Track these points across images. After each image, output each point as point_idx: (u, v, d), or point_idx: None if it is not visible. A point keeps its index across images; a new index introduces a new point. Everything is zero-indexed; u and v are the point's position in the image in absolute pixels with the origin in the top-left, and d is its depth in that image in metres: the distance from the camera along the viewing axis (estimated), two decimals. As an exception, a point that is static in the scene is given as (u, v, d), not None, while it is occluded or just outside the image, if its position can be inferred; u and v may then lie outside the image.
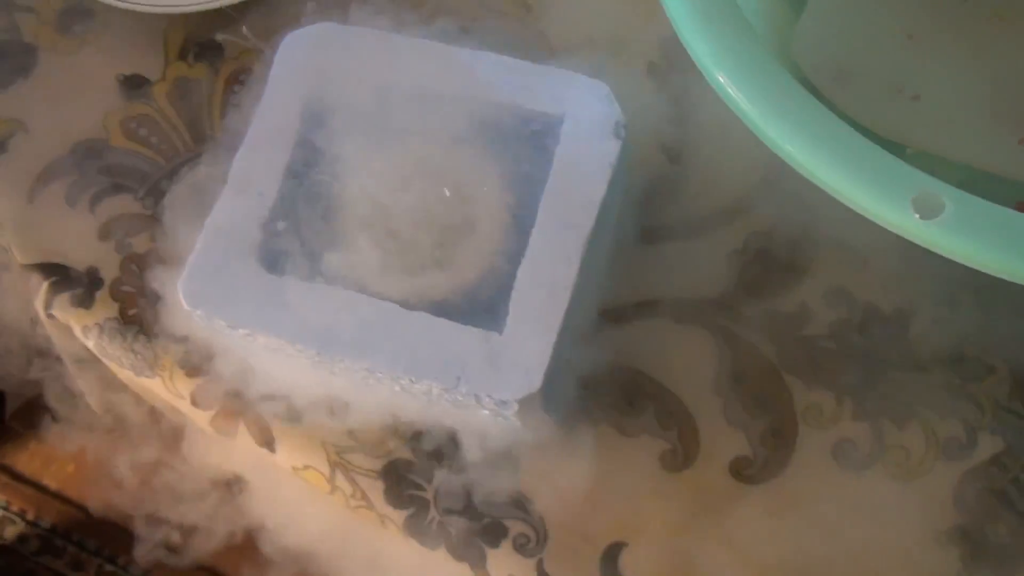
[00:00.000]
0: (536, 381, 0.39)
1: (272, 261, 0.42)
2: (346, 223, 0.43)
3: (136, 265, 0.51)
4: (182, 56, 0.55)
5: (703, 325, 0.46)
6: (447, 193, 0.43)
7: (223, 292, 0.41)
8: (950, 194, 0.34)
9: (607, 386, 0.45)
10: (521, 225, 0.42)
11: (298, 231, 0.43)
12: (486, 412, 0.41)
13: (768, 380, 0.45)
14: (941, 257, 0.45)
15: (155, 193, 0.52)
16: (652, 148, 0.47)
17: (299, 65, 0.44)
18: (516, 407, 0.39)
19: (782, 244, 0.47)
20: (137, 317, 0.50)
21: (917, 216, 0.34)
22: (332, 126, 0.44)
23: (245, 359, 0.46)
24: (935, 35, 0.48)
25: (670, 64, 0.50)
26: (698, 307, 0.47)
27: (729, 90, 0.37)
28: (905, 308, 0.45)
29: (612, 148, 0.42)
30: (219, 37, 0.54)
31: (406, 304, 0.41)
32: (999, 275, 0.34)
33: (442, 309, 0.41)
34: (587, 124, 0.42)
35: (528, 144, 0.43)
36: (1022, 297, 0.38)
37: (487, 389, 0.39)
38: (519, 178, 0.43)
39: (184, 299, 0.41)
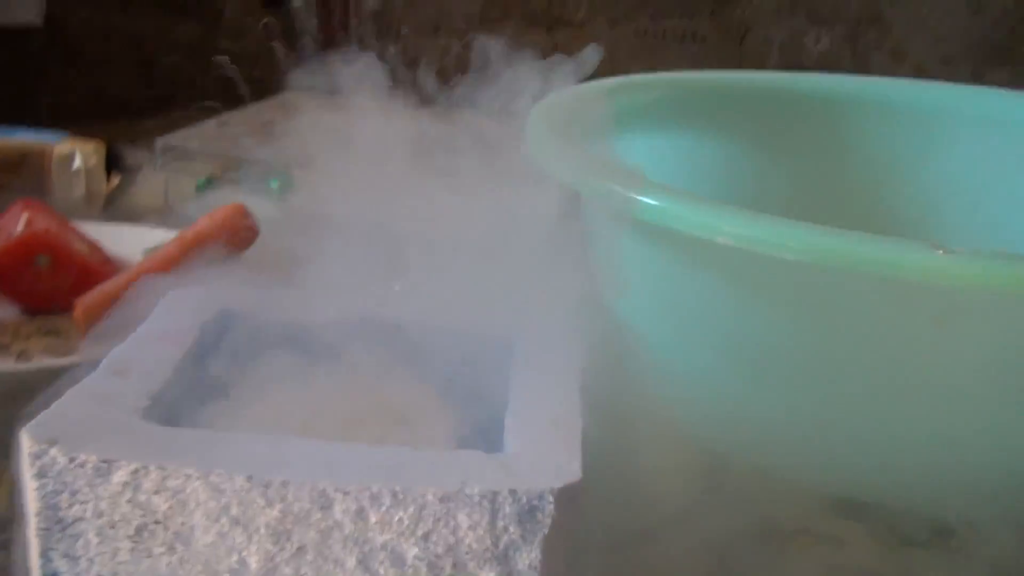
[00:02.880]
0: (575, 469, 0.28)
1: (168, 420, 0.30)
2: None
3: None
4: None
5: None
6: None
7: (96, 430, 0.28)
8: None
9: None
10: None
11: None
12: (483, 572, 0.28)
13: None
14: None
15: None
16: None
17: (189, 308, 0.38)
18: (551, 508, 0.27)
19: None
20: None
21: (940, 252, 0.33)
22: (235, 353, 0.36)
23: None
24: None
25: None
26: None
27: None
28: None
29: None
30: None
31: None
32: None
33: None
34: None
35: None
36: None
37: (510, 483, 0.27)
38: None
39: (33, 436, 0.28)
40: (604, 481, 0.31)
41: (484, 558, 0.28)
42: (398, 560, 0.28)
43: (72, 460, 0.28)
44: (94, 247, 0.57)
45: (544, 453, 0.29)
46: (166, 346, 0.34)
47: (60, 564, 0.28)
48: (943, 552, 0.41)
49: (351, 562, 0.28)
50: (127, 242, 0.60)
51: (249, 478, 0.27)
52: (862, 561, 0.40)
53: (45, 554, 0.28)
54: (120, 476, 0.28)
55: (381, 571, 0.28)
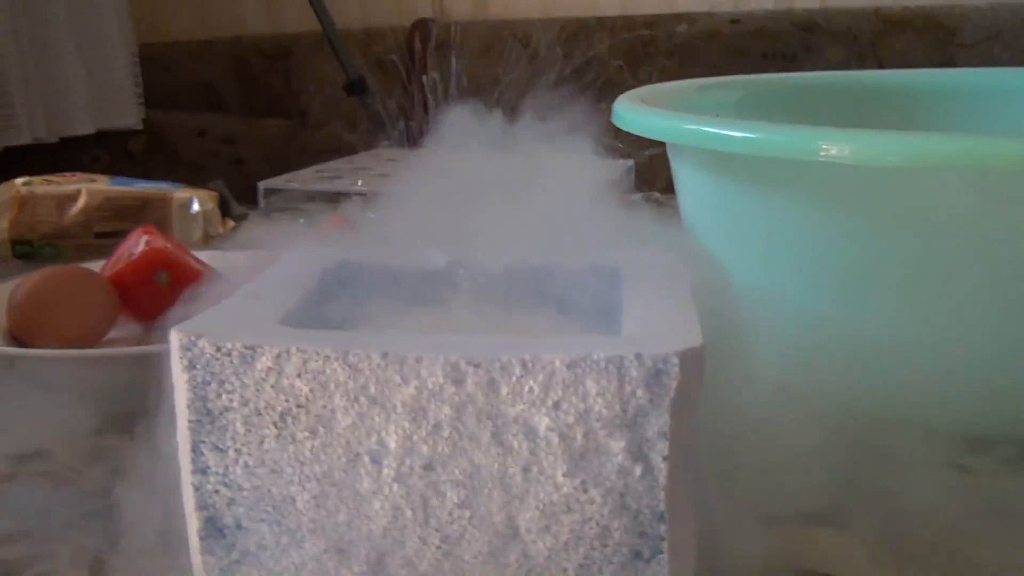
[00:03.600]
0: (697, 336, 0.29)
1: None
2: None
3: None
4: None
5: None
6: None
7: (239, 326, 0.30)
8: None
9: None
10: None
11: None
12: (614, 440, 0.28)
13: None
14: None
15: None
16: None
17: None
18: (676, 371, 0.28)
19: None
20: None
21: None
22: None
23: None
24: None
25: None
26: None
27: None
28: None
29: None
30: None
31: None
32: None
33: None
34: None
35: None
36: None
37: (633, 348, 0.28)
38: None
39: (182, 330, 0.30)
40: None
41: (614, 425, 0.28)
42: (531, 432, 0.29)
43: (219, 349, 0.29)
44: (209, 267, 0.60)
45: (664, 328, 0.30)
46: (293, 283, 0.36)
47: (210, 457, 0.30)
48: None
49: (485, 437, 0.29)
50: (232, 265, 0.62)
51: (385, 355, 0.29)
52: (991, 486, 0.39)
53: (196, 447, 0.30)
54: (264, 362, 0.29)
55: (515, 444, 0.29)
